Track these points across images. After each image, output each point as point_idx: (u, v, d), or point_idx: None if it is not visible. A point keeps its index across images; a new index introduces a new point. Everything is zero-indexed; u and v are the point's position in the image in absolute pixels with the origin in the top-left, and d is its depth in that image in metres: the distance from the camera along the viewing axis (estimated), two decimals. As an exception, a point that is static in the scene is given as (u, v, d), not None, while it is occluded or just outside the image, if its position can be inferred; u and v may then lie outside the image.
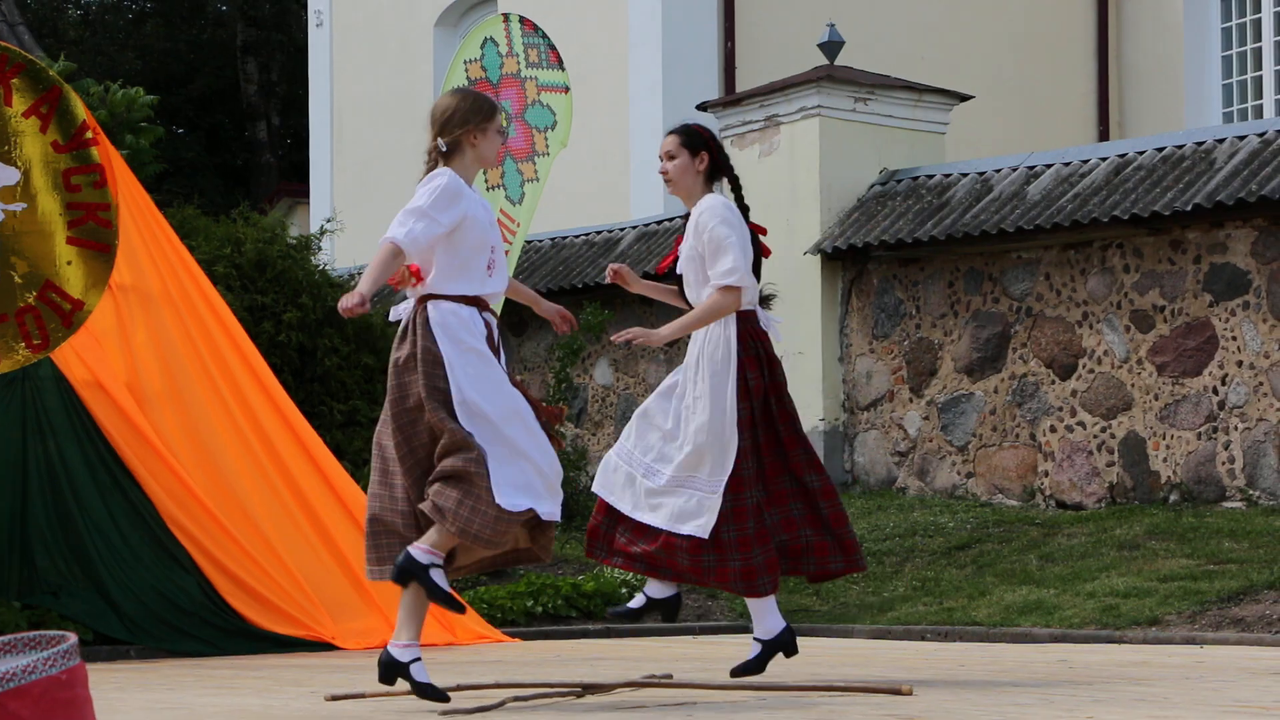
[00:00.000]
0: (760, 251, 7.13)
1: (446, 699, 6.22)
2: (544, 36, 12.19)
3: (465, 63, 11.98)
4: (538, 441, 6.39)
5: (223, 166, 33.78)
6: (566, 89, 12.20)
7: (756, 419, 6.92)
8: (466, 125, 6.48)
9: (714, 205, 7.00)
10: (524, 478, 6.31)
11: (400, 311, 6.50)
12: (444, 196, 6.34)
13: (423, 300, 6.38)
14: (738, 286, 6.88)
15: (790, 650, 7.03)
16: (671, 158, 7.09)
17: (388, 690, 6.86)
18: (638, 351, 16.23)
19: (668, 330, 6.99)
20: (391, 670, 6.25)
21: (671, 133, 7.16)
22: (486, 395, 6.31)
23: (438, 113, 6.52)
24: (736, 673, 7.02)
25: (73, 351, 9.89)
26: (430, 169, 6.51)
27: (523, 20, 12.20)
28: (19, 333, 9.63)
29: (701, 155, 7.08)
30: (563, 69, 12.18)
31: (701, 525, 6.82)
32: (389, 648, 6.29)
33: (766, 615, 6.98)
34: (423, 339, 6.31)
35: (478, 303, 6.45)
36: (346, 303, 6.12)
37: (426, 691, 6.22)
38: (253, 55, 33.11)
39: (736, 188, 7.23)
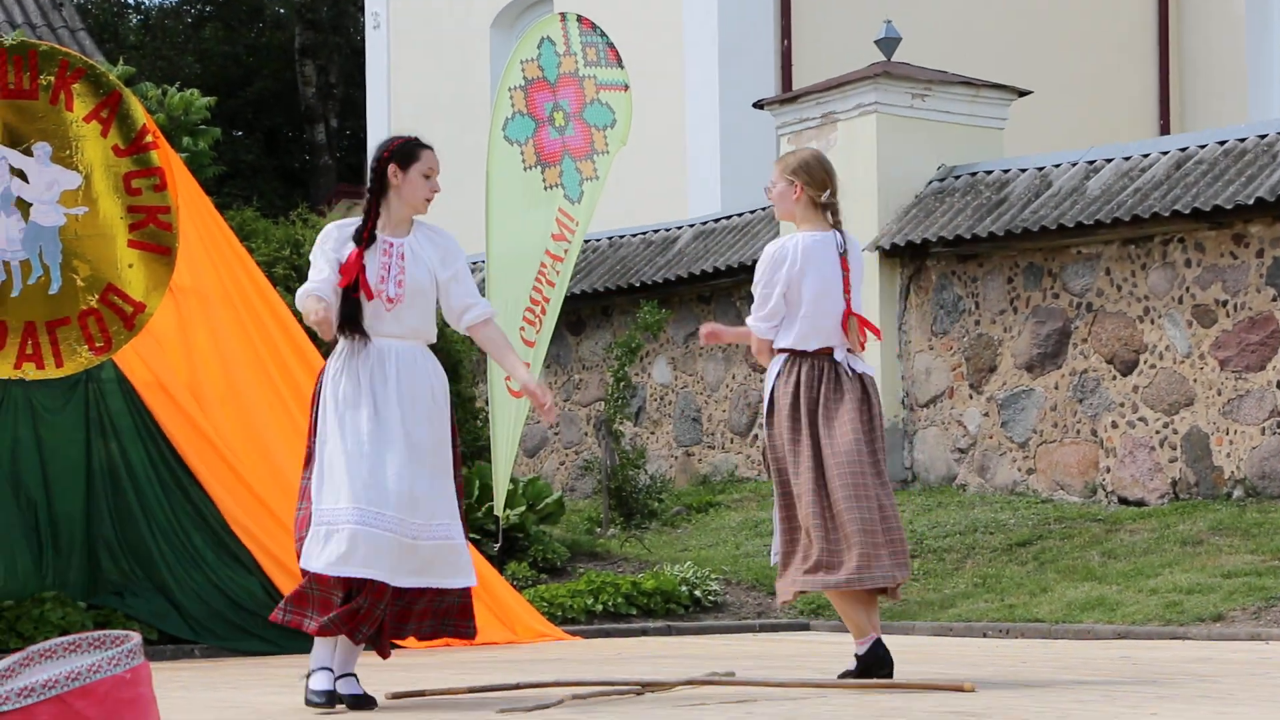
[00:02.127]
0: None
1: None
2: (602, 35, 12.20)
3: (522, 62, 11.99)
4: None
5: (281, 169, 33.93)
6: (626, 87, 12.21)
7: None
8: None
9: (451, 236, 6.95)
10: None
11: None
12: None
13: None
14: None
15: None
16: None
17: (448, 689, 6.88)
18: (696, 350, 16.22)
19: (527, 371, 7.03)
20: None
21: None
22: None
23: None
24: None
25: (135, 353, 9.95)
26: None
27: (580, 19, 12.21)
28: (82, 335, 9.71)
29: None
30: (622, 67, 12.19)
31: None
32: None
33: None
34: None
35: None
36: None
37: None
38: (311, 58, 33.24)
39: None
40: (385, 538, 6.32)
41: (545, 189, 11.92)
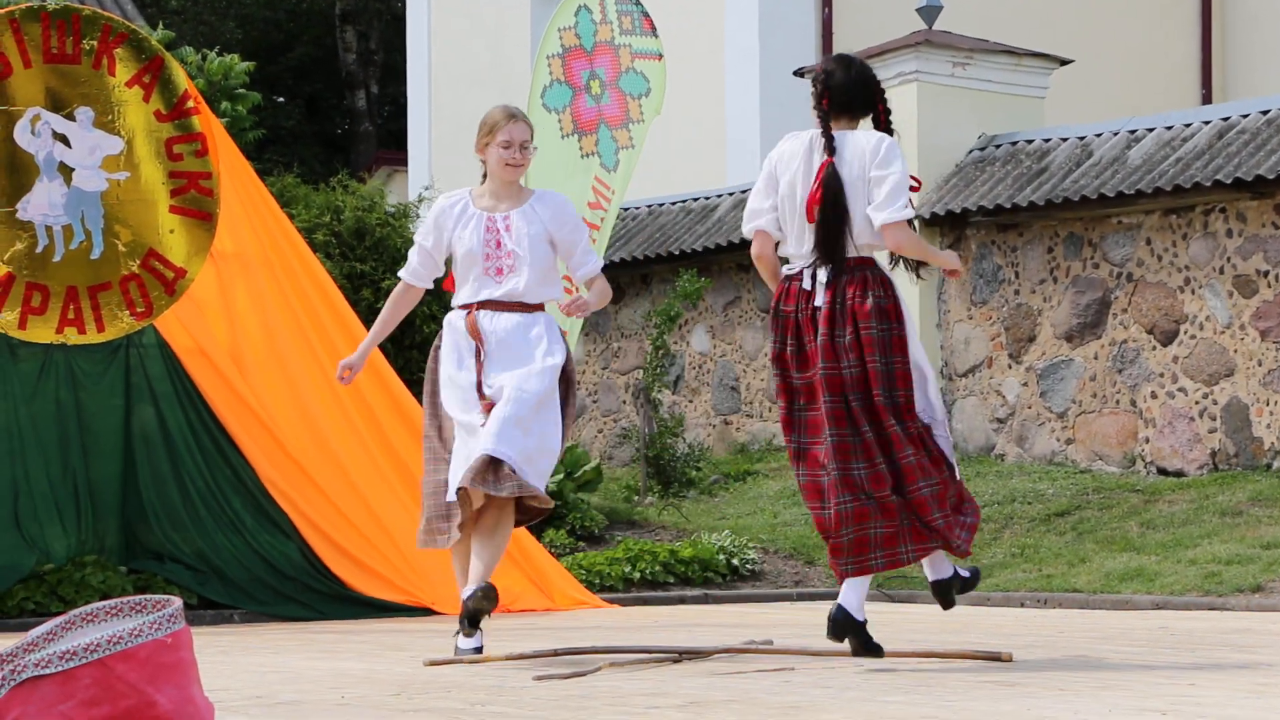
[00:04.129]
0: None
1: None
2: (637, 3, 12.19)
3: (559, 30, 11.99)
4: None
5: (321, 135, 33.98)
6: (660, 56, 12.20)
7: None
8: (479, 141, 7.20)
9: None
10: None
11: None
12: (429, 222, 7.39)
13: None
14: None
15: (969, 584, 6.94)
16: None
17: (485, 656, 6.91)
18: (735, 318, 16.20)
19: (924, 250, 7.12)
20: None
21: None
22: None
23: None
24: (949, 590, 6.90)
25: (175, 319, 9.99)
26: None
27: None
28: (123, 300, 9.75)
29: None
30: (656, 36, 12.18)
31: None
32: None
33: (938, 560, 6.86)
34: None
35: (468, 308, 7.17)
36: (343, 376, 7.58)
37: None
38: (351, 24, 33.26)
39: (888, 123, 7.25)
40: None
41: (582, 157, 11.92)
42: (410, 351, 13.45)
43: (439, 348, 7.21)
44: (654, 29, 12.18)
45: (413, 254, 7.29)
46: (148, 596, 4.52)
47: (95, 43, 9.69)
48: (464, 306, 7.13)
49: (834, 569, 6.62)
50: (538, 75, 11.94)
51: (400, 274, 7.37)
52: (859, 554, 6.49)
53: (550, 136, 11.83)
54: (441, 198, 7.25)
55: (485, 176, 7.22)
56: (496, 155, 7.07)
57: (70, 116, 9.66)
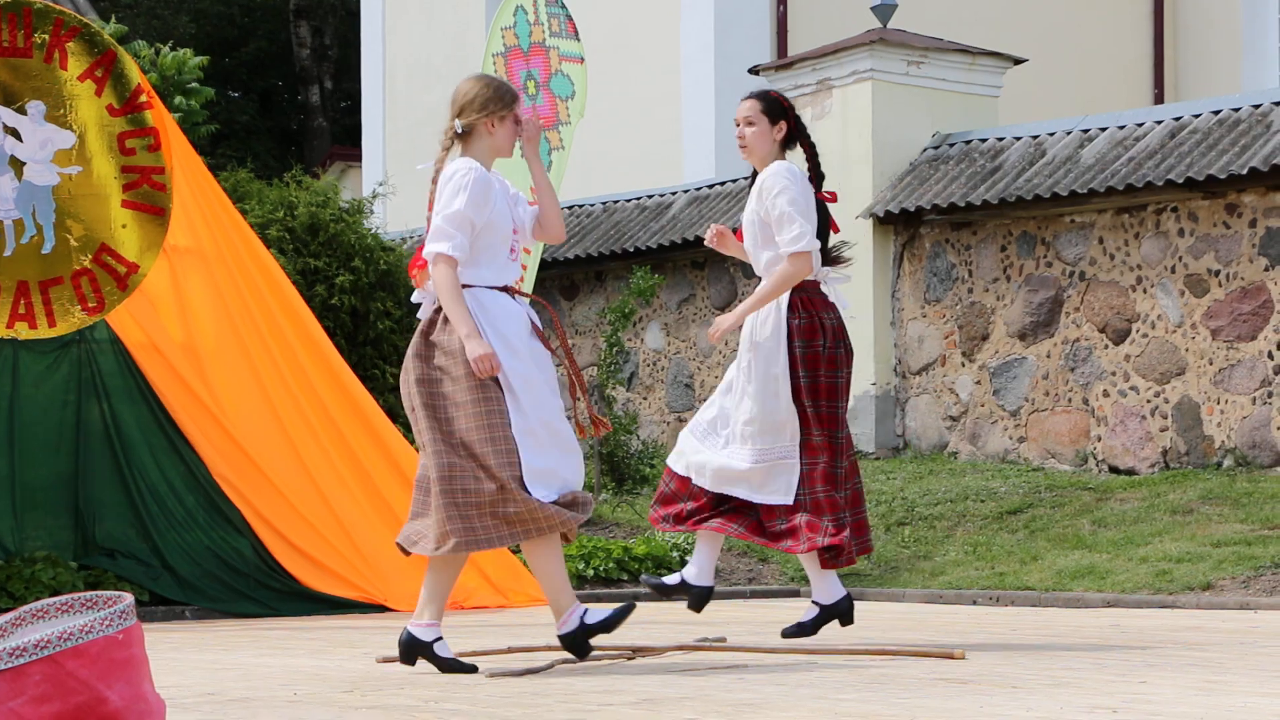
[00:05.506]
0: (828, 223, 7.13)
1: (473, 670, 6.24)
2: (562, 7, 12.23)
3: (502, 30, 12.03)
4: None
5: (276, 130, 33.86)
6: (582, 59, 12.27)
7: (816, 387, 6.95)
8: (485, 112, 6.45)
9: (779, 170, 7.00)
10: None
11: (427, 295, 6.46)
12: (479, 194, 6.32)
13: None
14: (807, 251, 6.89)
15: (847, 619, 7.06)
16: (750, 124, 7.07)
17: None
18: (689, 315, 16.21)
19: (738, 314, 7.05)
20: (412, 650, 6.28)
21: (752, 98, 7.15)
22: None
23: (459, 95, 6.48)
24: (789, 633, 7.04)
25: (128, 314, 9.94)
26: (445, 150, 6.49)
27: None
28: (75, 295, 9.70)
29: (780, 124, 7.07)
30: (578, 39, 12.24)
31: (782, 491, 6.92)
32: (409, 628, 6.31)
33: (829, 581, 7.02)
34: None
35: (507, 291, 6.44)
36: (482, 365, 6.16)
37: (452, 667, 6.25)
38: (305, 19, 33.15)
39: (813, 155, 7.21)
40: None
41: (521, 157, 11.95)
42: (364, 348, 13.42)
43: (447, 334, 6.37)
44: (576, 32, 12.24)
45: (458, 228, 6.32)
46: (99, 593, 4.50)
47: (47, 36, 9.64)
48: (499, 289, 6.43)
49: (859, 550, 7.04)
50: (485, 72, 11.98)
51: (449, 251, 6.30)
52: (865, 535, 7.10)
53: None
54: (467, 163, 6.45)
55: (463, 148, 6.52)
56: (510, 130, 6.56)
57: (21, 110, 9.61)
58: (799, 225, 6.88)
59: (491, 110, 6.46)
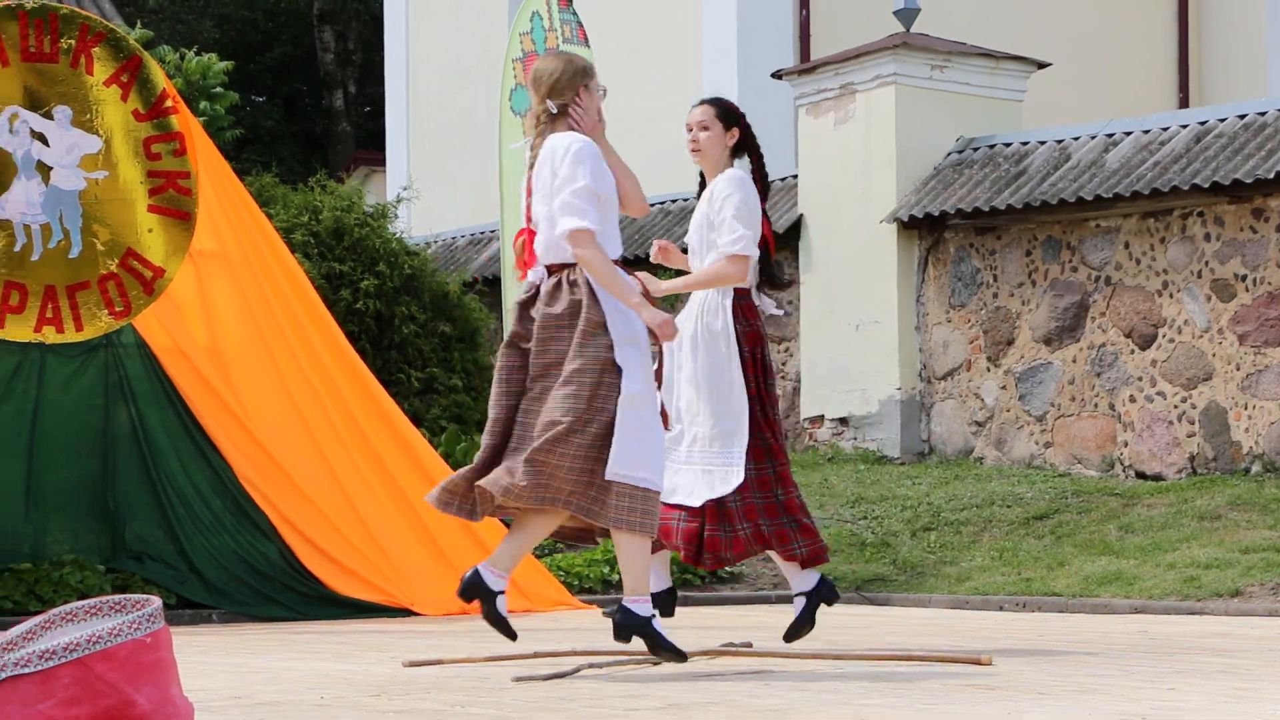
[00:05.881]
0: (768, 242, 7.13)
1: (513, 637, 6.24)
2: (574, 14, 12.26)
3: (520, 35, 12.07)
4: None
5: (300, 134, 33.92)
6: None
7: (764, 393, 6.98)
8: (574, 85, 6.40)
9: (731, 177, 7.05)
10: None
11: (537, 275, 6.37)
12: (598, 167, 6.28)
13: (566, 266, 6.28)
14: (745, 255, 6.94)
15: (832, 597, 7.03)
16: (705, 128, 7.13)
17: (465, 657, 6.90)
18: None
19: (669, 285, 7.04)
20: (474, 589, 6.26)
21: (705, 103, 7.22)
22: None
23: (544, 75, 6.38)
24: (790, 635, 7.01)
25: (154, 318, 9.96)
26: (541, 132, 6.41)
27: None
28: (101, 299, 9.72)
29: (733, 130, 7.11)
30: (588, 46, 12.26)
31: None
32: (480, 569, 6.28)
33: (800, 571, 7.00)
34: (589, 303, 6.25)
35: (621, 264, 6.44)
36: (666, 329, 6.24)
37: (497, 622, 6.29)
38: (329, 23, 33.20)
39: (760, 164, 7.23)
40: None
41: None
42: (388, 352, 13.43)
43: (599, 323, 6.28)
44: (586, 39, 12.26)
45: (587, 202, 6.24)
46: (127, 596, 4.51)
47: (73, 41, 9.67)
48: (616, 262, 6.39)
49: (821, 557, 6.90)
50: (505, 79, 12.04)
51: (588, 224, 6.24)
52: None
53: (517, 140, 11.87)
54: (577, 137, 6.34)
55: (552, 128, 6.39)
56: (597, 102, 6.45)
57: (48, 115, 9.65)
58: (741, 230, 6.91)
59: (581, 80, 6.40)
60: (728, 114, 7.15)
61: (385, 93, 25.34)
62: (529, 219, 6.45)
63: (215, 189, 10.24)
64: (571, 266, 6.33)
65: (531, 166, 6.43)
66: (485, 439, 6.34)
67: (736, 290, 6.99)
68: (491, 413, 6.34)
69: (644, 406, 6.23)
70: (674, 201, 17.38)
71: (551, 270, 6.36)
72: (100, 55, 9.73)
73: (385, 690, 5.92)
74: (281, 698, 5.69)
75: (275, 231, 10.85)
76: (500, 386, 6.34)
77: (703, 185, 7.19)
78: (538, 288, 6.37)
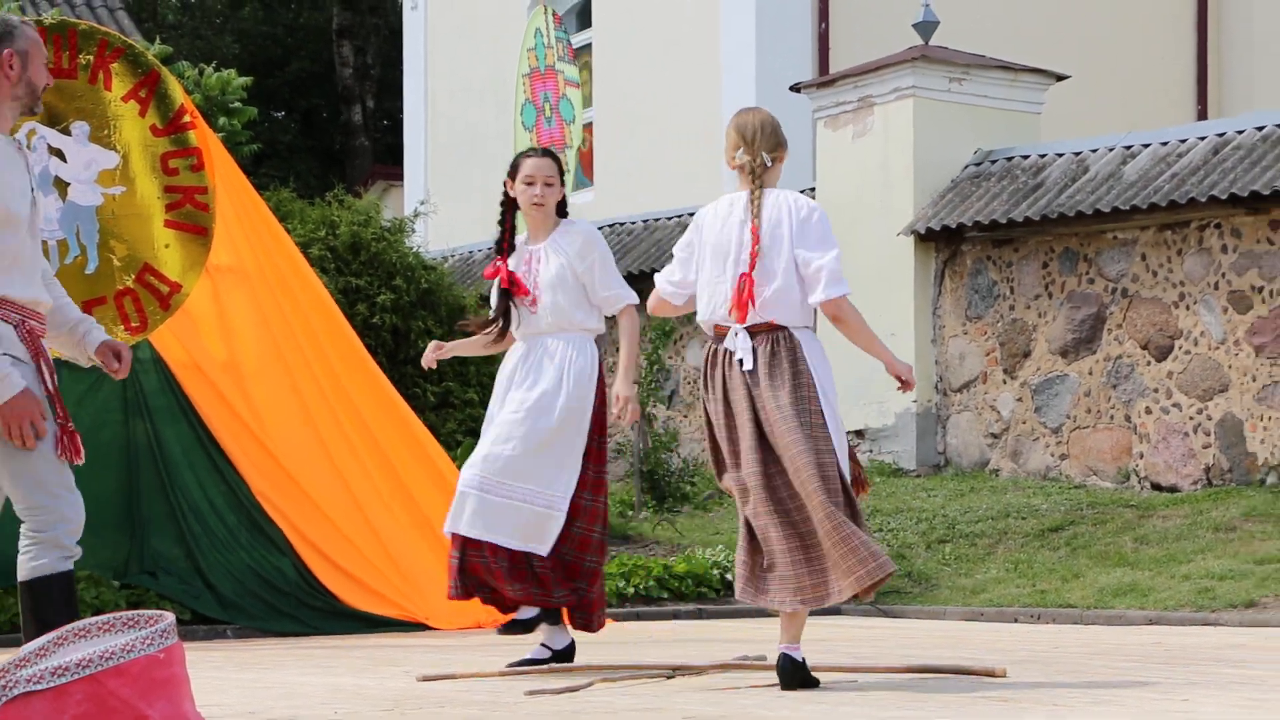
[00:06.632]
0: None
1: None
2: (565, 32, 12.33)
3: (527, 50, 12.13)
4: None
5: (318, 149, 33.99)
6: (578, 84, 12.39)
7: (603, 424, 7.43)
8: (780, 145, 6.48)
9: (595, 231, 7.39)
10: None
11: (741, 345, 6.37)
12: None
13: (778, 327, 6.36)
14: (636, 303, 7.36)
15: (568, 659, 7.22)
16: (549, 184, 7.29)
17: (478, 671, 6.91)
18: (730, 333, 16.19)
19: (627, 379, 7.40)
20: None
21: (548, 156, 7.41)
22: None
23: (764, 127, 6.45)
24: (515, 664, 7.12)
25: (170, 334, 9.99)
26: (755, 184, 6.40)
27: (554, 14, 12.33)
28: (118, 315, 9.75)
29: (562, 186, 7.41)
30: (574, 63, 12.36)
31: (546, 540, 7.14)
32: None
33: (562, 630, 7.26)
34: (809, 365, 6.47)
35: None
36: (907, 375, 6.58)
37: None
38: (348, 38, 33.28)
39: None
40: (490, 500, 7.04)
41: None
42: (405, 366, 13.45)
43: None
44: (574, 57, 12.36)
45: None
46: (140, 612, 4.52)
47: (91, 57, 9.70)
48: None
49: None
50: (517, 94, 12.11)
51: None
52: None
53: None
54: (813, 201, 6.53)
55: (765, 181, 6.48)
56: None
57: (66, 131, 9.68)
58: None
59: (780, 142, 6.49)
60: (562, 170, 7.47)
61: (403, 107, 25.39)
62: (753, 266, 6.34)
63: (233, 204, 10.26)
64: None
65: (756, 214, 6.35)
66: None
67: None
68: None
69: None
70: (691, 214, 17.38)
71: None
72: (118, 71, 9.76)
73: (399, 705, 5.93)
74: (295, 713, 5.71)
75: (293, 246, 10.87)
76: None
77: (510, 233, 7.40)
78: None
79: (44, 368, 5.21)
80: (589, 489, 7.19)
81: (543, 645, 7.25)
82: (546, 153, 7.47)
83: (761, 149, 6.42)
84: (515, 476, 7.09)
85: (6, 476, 5.19)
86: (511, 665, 7.08)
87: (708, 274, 6.45)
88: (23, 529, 5.21)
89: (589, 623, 7.27)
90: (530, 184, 7.25)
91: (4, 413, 5.04)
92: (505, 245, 7.38)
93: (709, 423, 6.46)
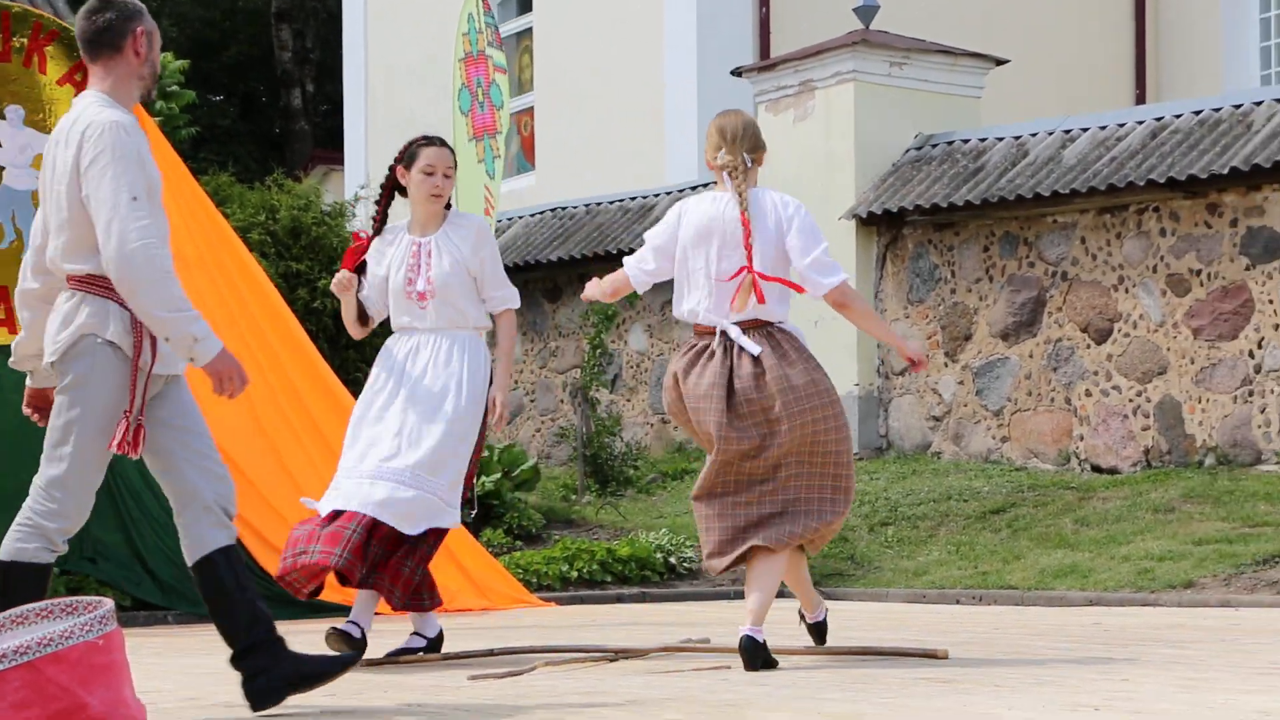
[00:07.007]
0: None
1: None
2: (493, 18, 12.32)
3: (462, 35, 12.10)
4: None
5: (257, 133, 33.82)
6: (504, 70, 12.39)
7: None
8: (761, 147, 6.72)
9: (484, 222, 7.38)
10: None
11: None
12: None
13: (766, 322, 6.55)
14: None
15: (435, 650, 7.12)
16: (447, 175, 7.16)
17: (421, 656, 6.89)
18: (673, 317, 16.20)
19: (503, 383, 7.15)
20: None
21: (447, 147, 7.27)
22: None
23: (749, 129, 6.69)
24: (393, 653, 7.03)
25: (109, 319, 9.90)
26: (741, 182, 6.57)
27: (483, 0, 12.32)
28: (55, 300, 9.66)
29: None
30: (501, 49, 12.35)
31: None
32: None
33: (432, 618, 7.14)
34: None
35: None
36: (919, 356, 6.75)
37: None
38: (287, 22, 33.11)
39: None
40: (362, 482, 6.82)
41: (477, 162, 12.01)
42: (346, 351, 13.41)
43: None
44: (501, 43, 12.35)
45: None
46: (80, 598, 4.49)
47: (25, 40, 9.62)
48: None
49: None
50: (454, 79, 12.10)
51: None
52: None
53: (463, 140, 11.88)
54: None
55: (748, 182, 6.73)
56: None
57: (0, 115, 9.59)
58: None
59: (760, 144, 6.74)
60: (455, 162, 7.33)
61: (343, 91, 25.28)
62: (751, 259, 6.50)
63: (171, 189, 10.18)
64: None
65: (745, 210, 6.50)
66: None
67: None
68: None
69: None
70: (633, 199, 17.38)
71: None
72: (53, 54, 9.67)
73: (339, 690, 5.91)
74: (236, 699, 5.68)
75: (232, 231, 10.81)
76: None
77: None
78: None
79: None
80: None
81: (415, 634, 7.10)
82: (444, 143, 7.29)
83: (742, 149, 6.59)
84: (421, 469, 6.85)
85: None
86: (389, 655, 7.00)
87: (689, 268, 6.51)
88: (24, 505, 5.16)
89: (425, 602, 7.06)
90: (430, 174, 7.05)
91: (215, 366, 5.54)
92: (377, 230, 7.23)
93: (683, 411, 6.48)
